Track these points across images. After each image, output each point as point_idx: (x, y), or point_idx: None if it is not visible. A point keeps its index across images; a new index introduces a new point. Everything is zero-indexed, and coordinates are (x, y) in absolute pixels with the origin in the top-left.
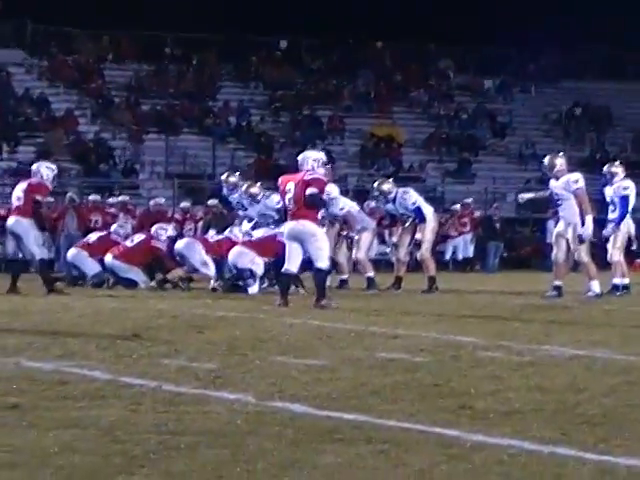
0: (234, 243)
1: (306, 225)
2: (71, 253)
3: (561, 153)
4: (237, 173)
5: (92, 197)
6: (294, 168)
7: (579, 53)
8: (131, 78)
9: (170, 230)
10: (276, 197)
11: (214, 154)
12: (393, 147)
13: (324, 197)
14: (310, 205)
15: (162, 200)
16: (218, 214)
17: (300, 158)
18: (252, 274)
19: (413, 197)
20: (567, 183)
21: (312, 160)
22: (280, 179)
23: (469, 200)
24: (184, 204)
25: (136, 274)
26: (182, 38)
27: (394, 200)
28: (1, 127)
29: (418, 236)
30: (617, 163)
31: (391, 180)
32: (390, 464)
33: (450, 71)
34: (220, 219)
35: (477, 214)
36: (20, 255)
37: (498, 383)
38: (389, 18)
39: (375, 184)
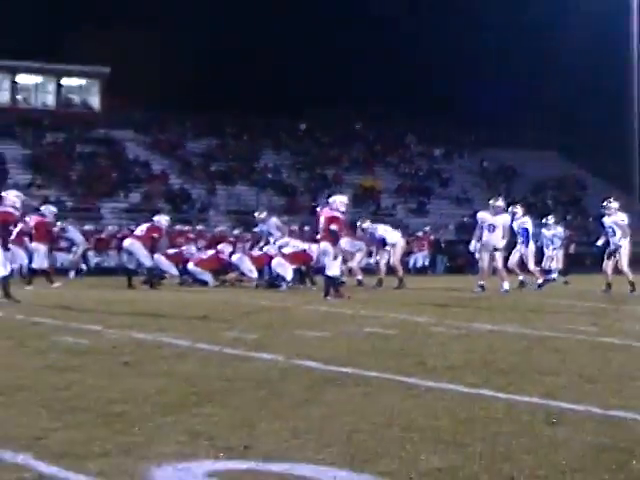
0: (270, 256)
1: (327, 246)
2: (156, 257)
3: (501, 197)
4: (265, 212)
5: (178, 227)
6: (311, 207)
7: (496, 129)
8: (204, 148)
9: (229, 248)
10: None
11: (258, 198)
12: (375, 194)
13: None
14: (332, 236)
15: (224, 228)
16: (260, 238)
17: (332, 199)
18: (283, 278)
19: (380, 230)
20: (504, 219)
21: (339, 202)
22: (318, 213)
23: (427, 228)
24: (237, 231)
25: (208, 276)
26: (237, 121)
27: (371, 232)
28: (119, 181)
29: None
30: (518, 205)
31: (368, 221)
32: (372, 400)
33: (412, 144)
34: (261, 241)
35: (431, 237)
36: (131, 265)
37: (442, 348)
38: (375, 108)
39: (358, 223)
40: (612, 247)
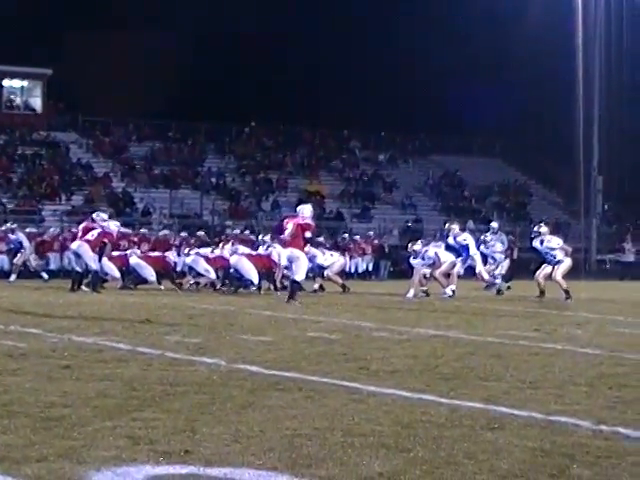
0: (226, 259)
1: (294, 251)
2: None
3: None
4: None
5: (121, 229)
6: (254, 212)
7: (442, 136)
8: (147, 152)
9: (175, 255)
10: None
11: (202, 202)
12: (319, 198)
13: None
14: (307, 242)
15: (167, 232)
16: (204, 240)
17: (299, 208)
18: (251, 281)
19: (319, 259)
20: (454, 239)
21: (308, 210)
22: (285, 219)
23: (370, 233)
24: (183, 234)
25: (150, 272)
26: (181, 125)
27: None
28: (61, 183)
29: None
30: (455, 223)
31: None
32: (314, 404)
33: (357, 149)
34: (204, 243)
35: (375, 242)
36: (78, 267)
37: (385, 352)
38: (319, 112)
39: None
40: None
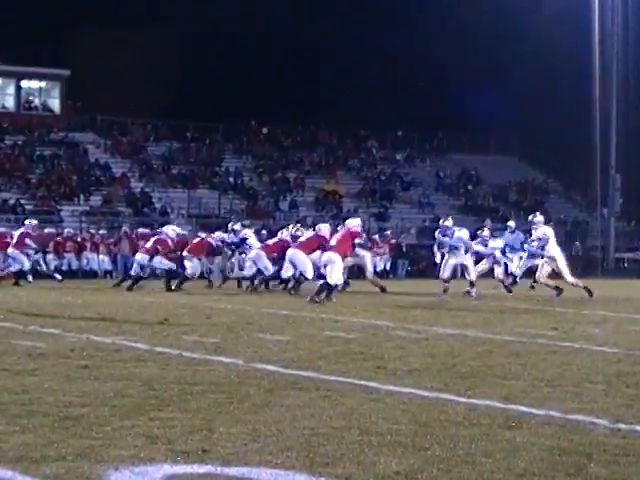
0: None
1: (332, 255)
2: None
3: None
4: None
5: (140, 230)
6: (271, 211)
7: (459, 135)
8: (165, 152)
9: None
10: None
11: (219, 202)
12: (336, 198)
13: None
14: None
15: (185, 232)
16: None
17: (348, 221)
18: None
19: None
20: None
21: (357, 222)
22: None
23: (388, 232)
24: (200, 234)
25: (169, 266)
26: (199, 125)
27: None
28: (79, 183)
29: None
30: (449, 218)
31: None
32: (332, 404)
33: (374, 148)
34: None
35: (393, 241)
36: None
37: (402, 351)
38: (336, 112)
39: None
40: (545, 257)
